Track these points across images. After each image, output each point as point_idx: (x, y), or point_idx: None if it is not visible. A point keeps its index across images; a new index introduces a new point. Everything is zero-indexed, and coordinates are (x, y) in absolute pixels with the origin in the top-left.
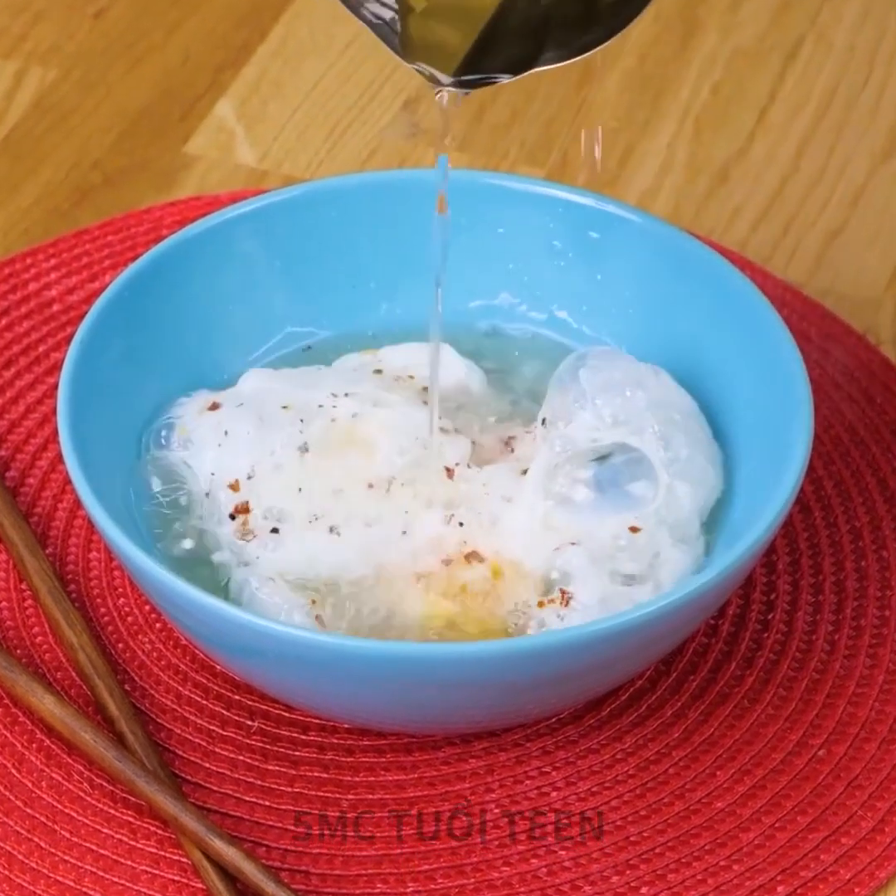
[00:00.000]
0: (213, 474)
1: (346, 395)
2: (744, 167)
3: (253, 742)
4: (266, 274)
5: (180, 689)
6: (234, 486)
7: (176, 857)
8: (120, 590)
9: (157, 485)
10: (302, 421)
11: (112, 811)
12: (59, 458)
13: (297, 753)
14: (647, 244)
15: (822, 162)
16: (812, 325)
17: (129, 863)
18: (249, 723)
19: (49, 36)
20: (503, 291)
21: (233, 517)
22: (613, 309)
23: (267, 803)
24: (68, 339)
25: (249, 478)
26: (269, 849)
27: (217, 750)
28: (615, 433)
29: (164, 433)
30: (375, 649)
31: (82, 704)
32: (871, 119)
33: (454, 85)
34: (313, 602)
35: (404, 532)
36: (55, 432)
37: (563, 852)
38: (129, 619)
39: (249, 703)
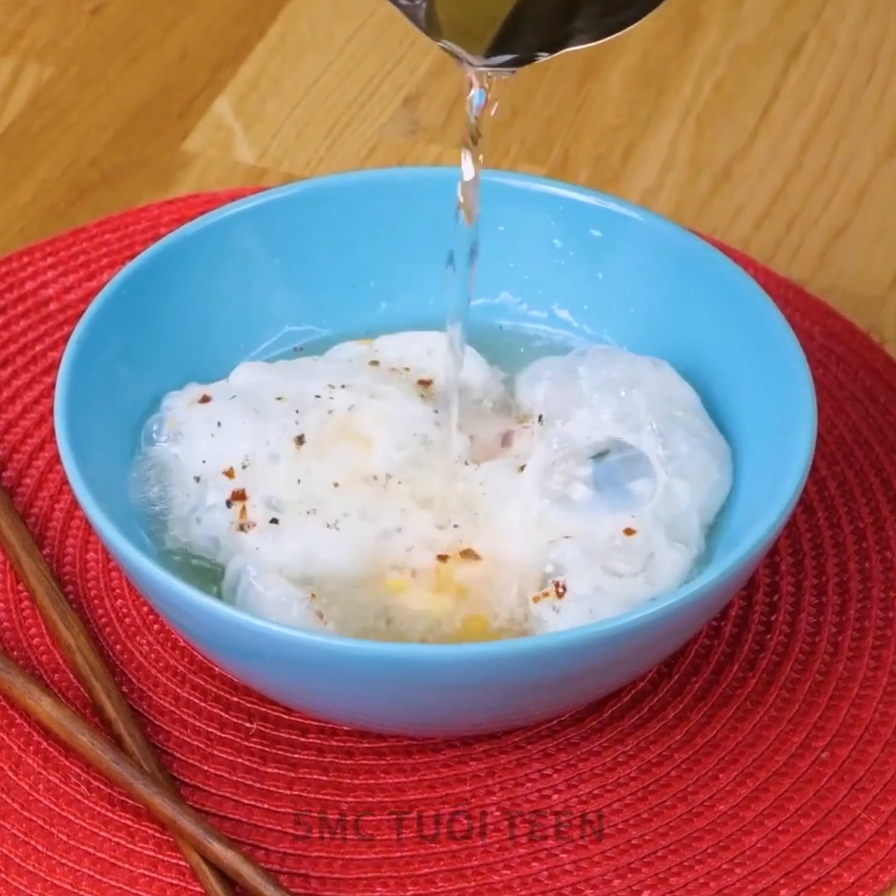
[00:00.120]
0: (204, 462)
1: (343, 386)
2: (746, 165)
3: (252, 744)
4: (265, 272)
5: (178, 691)
6: (230, 473)
7: (174, 861)
8: (118, 591)
9: (150, 482)
10: (297, 412)
11: (110, 814)
12: (57, 458)
13: (296, 756)
14: (649, 242)
15: (825, 159)
16: (815, 324)
17: (126, 866)
18: (248, 725)
19: (46, 32)
20: (504, 290)
21: (229, 504)
22: (615, 307)
23: (266, 806)
24: (65, 339)
25: (244, 467)
26: (268, 852)
27: (216, 752)
28: (612, 430)
29: (155, 428)
30: (375, 651)
31: (80, 706)
32: (874, 116)
33: (483, 65)
34: (313, 596)
35: (400, 529)
36: (52, 432)
37: (564, 855)
38: (127, 620)
39: (248, 705)
